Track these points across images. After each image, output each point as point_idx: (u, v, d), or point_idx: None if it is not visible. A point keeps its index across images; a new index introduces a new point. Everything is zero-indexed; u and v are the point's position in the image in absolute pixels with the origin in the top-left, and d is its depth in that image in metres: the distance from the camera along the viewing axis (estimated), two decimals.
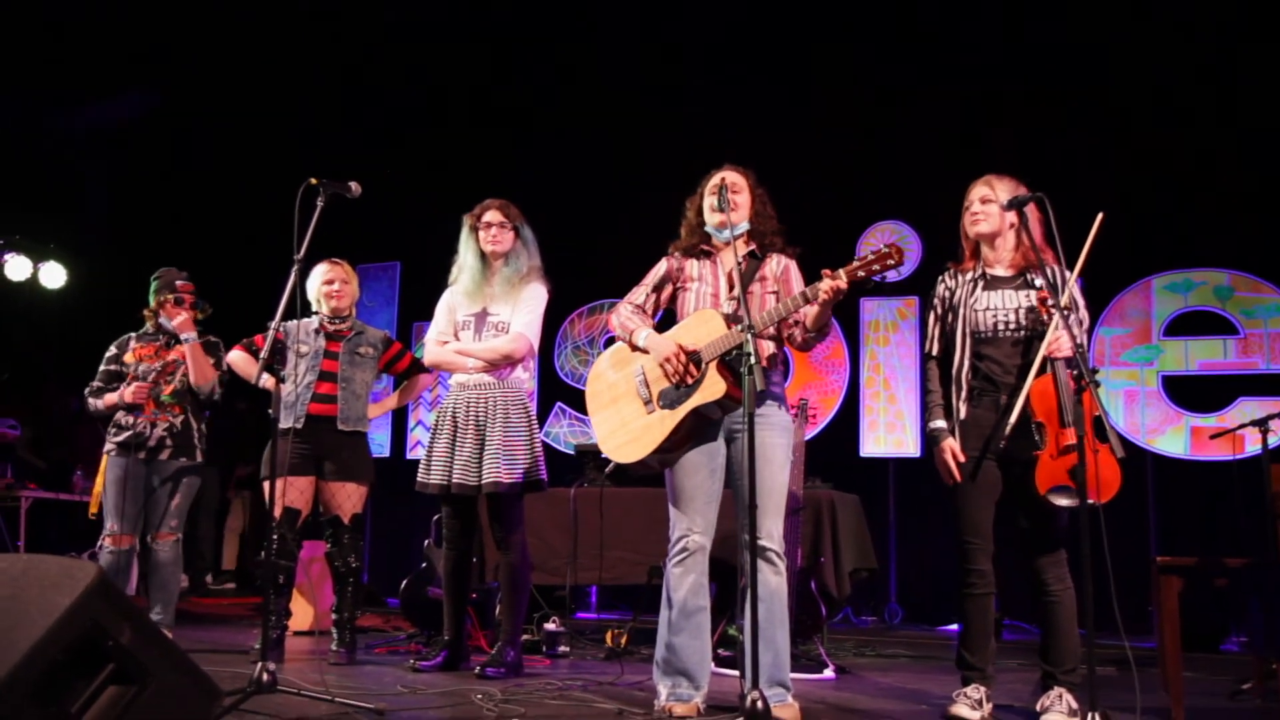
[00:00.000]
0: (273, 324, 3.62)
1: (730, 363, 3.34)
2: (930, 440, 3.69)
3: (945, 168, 7.22)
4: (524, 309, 4.48)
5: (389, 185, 8.39)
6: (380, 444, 8.78)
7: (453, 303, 4.62)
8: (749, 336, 3.14)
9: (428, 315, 4.74)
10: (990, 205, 3.61)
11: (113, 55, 8.09)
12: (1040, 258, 3.40)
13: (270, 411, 3.66)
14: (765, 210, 3.67)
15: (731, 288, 3.55)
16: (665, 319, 3.79)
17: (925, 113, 7.67)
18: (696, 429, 3.44)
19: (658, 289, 3.73)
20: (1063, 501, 3.34)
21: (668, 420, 3.41)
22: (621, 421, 3.53)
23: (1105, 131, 7.23)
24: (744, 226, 3.62)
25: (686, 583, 3.44)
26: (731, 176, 3.63)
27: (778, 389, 3.55)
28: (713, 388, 3.34)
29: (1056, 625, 3.47)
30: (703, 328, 3.45)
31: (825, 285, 3.25)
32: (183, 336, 4.90)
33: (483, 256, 4.55)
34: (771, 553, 3.36)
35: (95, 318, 5.27)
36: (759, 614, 3.10)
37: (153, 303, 5.06)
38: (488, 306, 4.53)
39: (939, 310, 3.75)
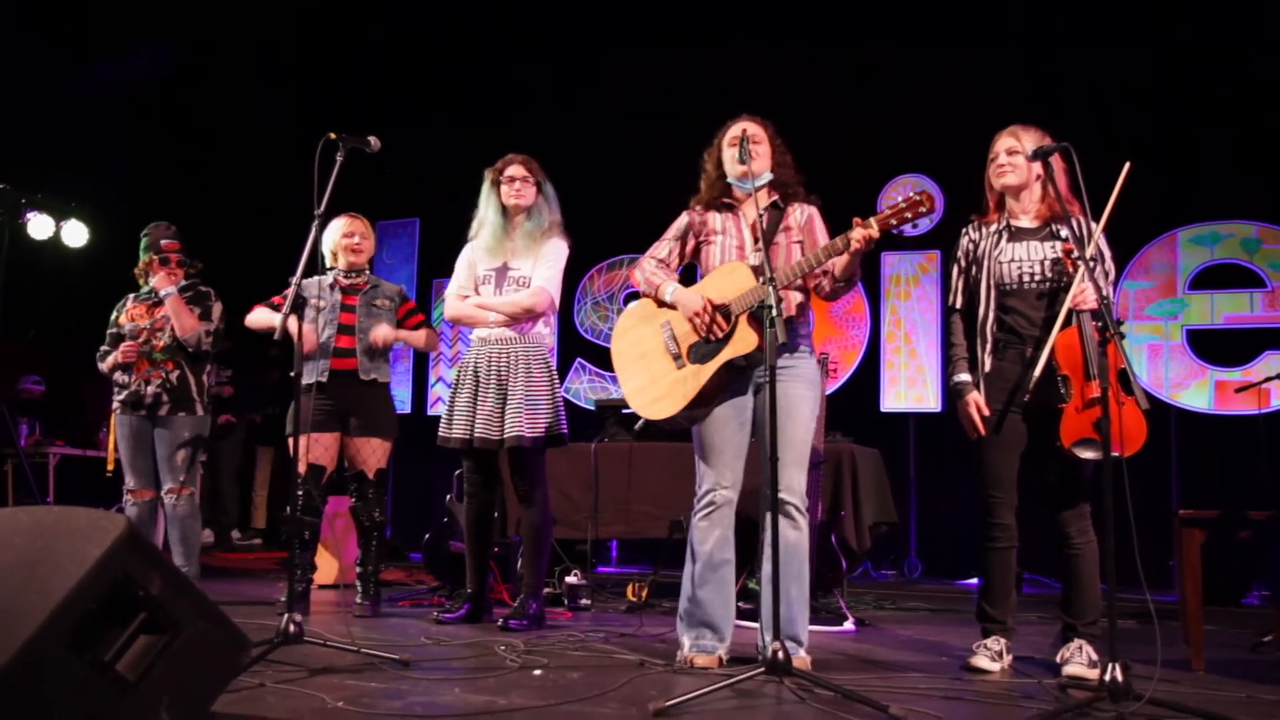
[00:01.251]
0: (294, 279, 3.63)
1: (760, 315, 3.32)
2: (953, 394, 3.68)
3: (966, 120, 7.14)
4: (545, 263, 4.48)
5: (408, 139, 8.38)
6: (401, 400, 8.82)
7: (473, 257, 4.62)
8: (772, 289, 3.12)
9: (447, 272, 4.74)
10: (1016, 156, 3.57)
11: (133, 12, 8.06)
12: (1066, 209, 3.37)
13: (293, 370, 3.68)
14: (785, 160, 3.65)
15: (756, 240, 3.52)
16: (687, 274, 3.79)
17: (946, 64, 7.57)
18: (727, 383, 3.44)
19: (680, 241, 3.70)
20: (1087, 454, 3.34)
21: (699, 374, 3.41)
22: (651, 378, 3.52)
23: (1130, 83, 7.12)
24: (766, 177, 3.60)
25: (713, 536, 3.46)
26: (752, 128, 3.60)
27: (805, 340, 3.54)
28: (744, 341, 3.35)
29: (1078, 578, 3.48)
30: (729, 280, 3.45)
31: (858, 234, 3.24)
32: (161, 293, 4.94)
33: (504, 211, 4.54)
34: (792, 506, 3.37)
35: (117, 276, 5.29)
36: (771, 567, 3.12)
37: (140, 262, 5.12)
38: (508, 261, 4.52)
39: (963, 263, 3.73)
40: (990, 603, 3.61)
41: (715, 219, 3.65)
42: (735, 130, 3.62)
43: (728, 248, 3.58)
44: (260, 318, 4.91)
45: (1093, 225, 3.46)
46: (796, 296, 3.52)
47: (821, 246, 3.38)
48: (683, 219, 3.72)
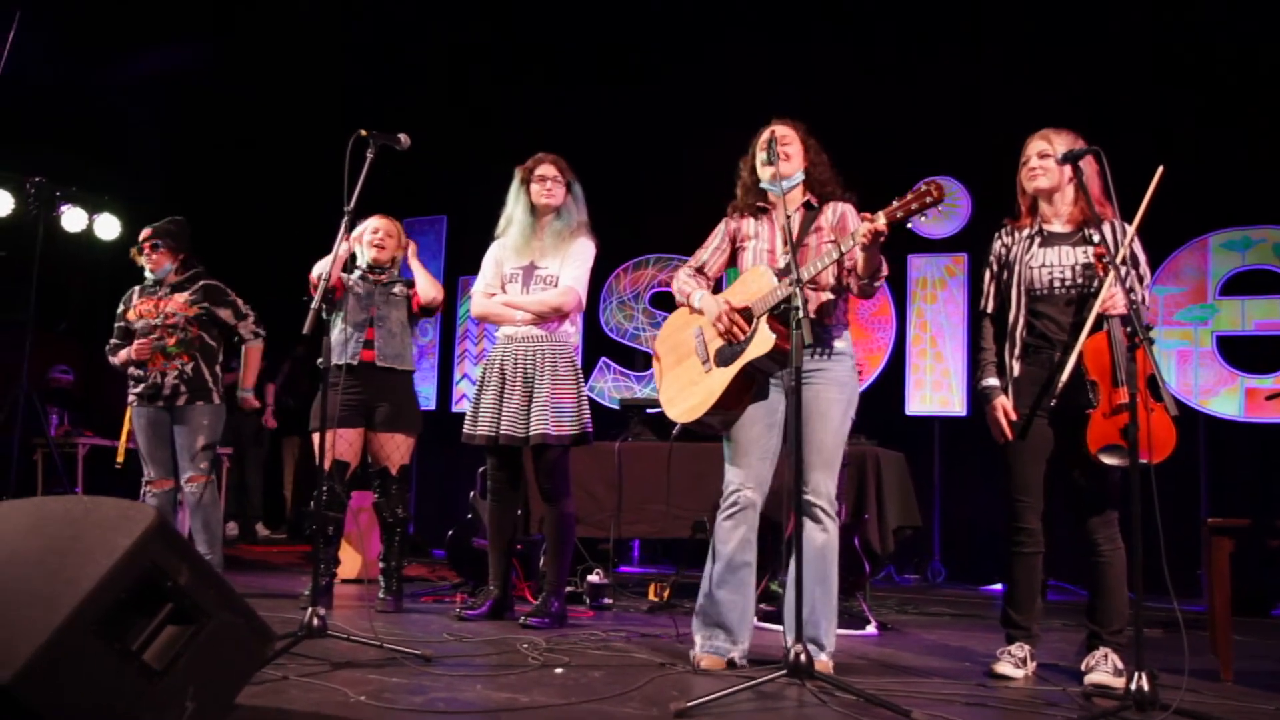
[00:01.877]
0: (325, 273, 3.64)
1: (782, 316, 3.33)
2: (981, 398, 3.67)
3: (995, 121, 7.10)
4: (572, 263, 4.49)
5: (436, 139, 8.40)
6: (426, 397, 8.85)
7: (500, 255, 4.63)
8: (796, 289, 3.11)
9: (475, 269, 4.75)
10: (1048, 160, 3.54)
11: (168, 4, 8.11)
12: (1097, 213, 3.34)
13: (319, 362, 3.70)
14: (820, 159, 3.64)
15: (786, 243, 3.50)
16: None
17: (975, 65, 7.53)
18: (752, 385, 3.44)
19: (719, 249, 3.73)
20: (1113, 461, 3.31)
21: (721, 377, 3.42)
22: (682, 383, 3.57)
23: (1162, 86, 7.06)
24: (798, 178, 3.59)
25: (735, 537, 3.45)
26: (780, 129, 3.59)
27: (839, 341, 3.52)
28: (762, 342, 3.34)
29: (1105, 585, 3.45)
30: (753, 283, 3.46)
31: (863, 229, 3.23)
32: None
33: (532, 210, 4.56)
34: (819, 509, 3.36)
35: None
36: (800, 569, 3.11)
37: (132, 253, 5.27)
38: (535, 260, 4.53)
39: (995, 267, 3.71)
40: (1015, 608, 3.59)
41: (749, 224, 3.66)
42: (765, 133, 3.61)
43: (759, 252, 3.59)
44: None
45: (1126, 228, 3.43)
46: (824, 296, 3.51)
47: (830, 242, 3.39)
48: (720, 227, 3.76)
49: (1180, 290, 7.08)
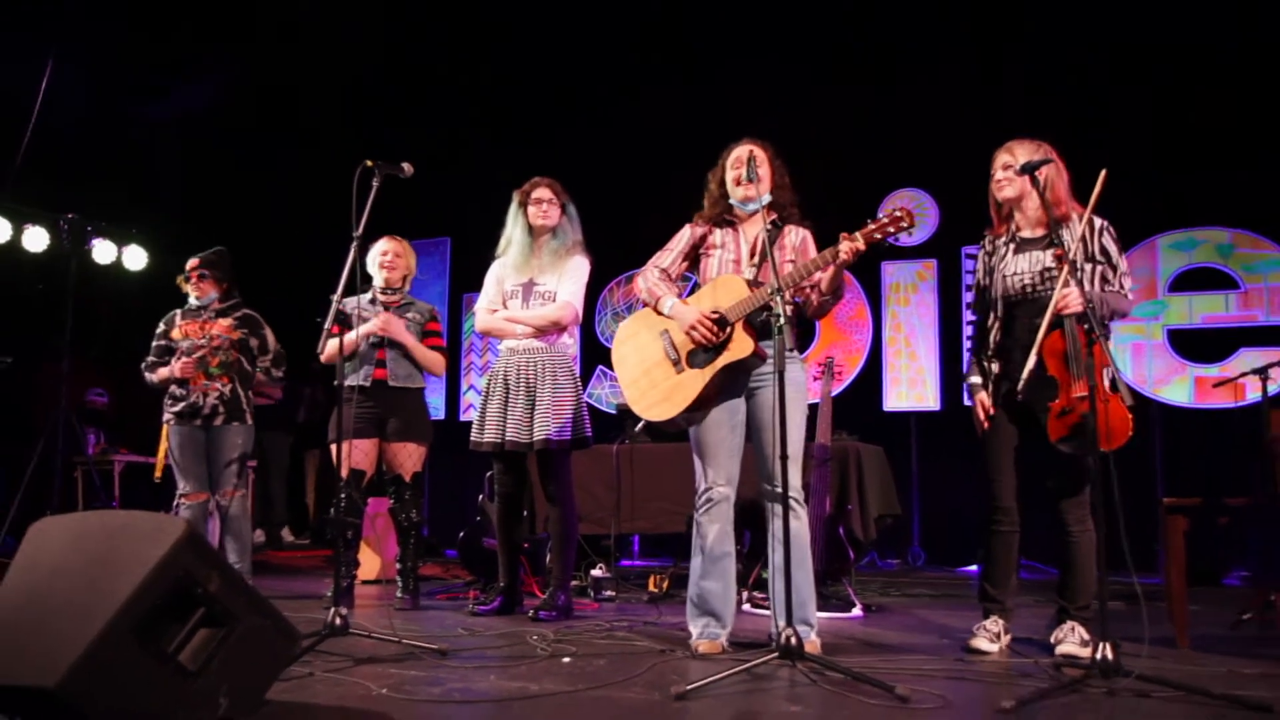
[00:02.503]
0: (335, 297, 3.66)
1: (755, 323, 3.37)
2: (969, 393, 3.73)
3: (959, 134, 7.13)
4: (569, 279, 4.51)
5: (440, 164, 8.40)
6: (435, 407, 8.85)
7: (501, 273, 4.64)
8: (779, 298, 3.14)
9: (477, 287, 4.76)
10: (1011, 170, 3.56)
11: (189, 40, 8.10)
12: (1057, 215, 3.37)
13: (335, 381, 3.70)
14: (784, 182, 3.65)
15: (753, 254, 3.55)
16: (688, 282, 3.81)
17: (937, 79, 7.55)
18: (725, 386, 3.46)
19: (683, 253, 3.71)
20: (1070, 449, 3.33)
21: (697, 379, 3.42)
22: (651, 382, 3.53)
23: (1113, 94, 7.08)
24: (765, 199, 3.59)
25: (713, 531, 3.49)
26: (757, 150, 3.61)
27: (793, 349, 3.55)
28: (741, 346, 3.37)
29: (1074, 563, 3.48)
30: (725, 291, 3.47)
31: (844, 247, 3.25)
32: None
33: (530, 230, 4.57)
34: (792, 499, 3.38)
35: (172, 296, 5.34)
36: (778, 557, 3.17)
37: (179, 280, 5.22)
38: (534, 277, 4.55)
39: (978, 275, 3.74)
40: (991, 583, 3.62)
41: (716, 234, 3.66)
42: (740, 151, 3.62)
43: (724, 261, 3.60)
44: (332, 349, 4.91)
45: (1097, 223, 3.46)
46: (786, 310, 3.51)
47: (811, 258, 3.39)
48: (685, 231, 3.73)
49: (1133, 288, 7.09)
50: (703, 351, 3.44)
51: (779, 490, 3.24)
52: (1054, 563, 3.62)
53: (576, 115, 8.65)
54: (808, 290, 3.52)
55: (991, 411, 3.59)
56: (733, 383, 3.48)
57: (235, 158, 9.01)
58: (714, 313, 3.42)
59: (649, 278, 3.67)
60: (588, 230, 4.70)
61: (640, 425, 5.68)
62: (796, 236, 3.62)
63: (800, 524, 3.42)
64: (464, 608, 4.71)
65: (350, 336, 4.62)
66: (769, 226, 3.50)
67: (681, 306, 3.52)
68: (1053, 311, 3.35)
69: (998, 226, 3.71)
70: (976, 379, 3.67)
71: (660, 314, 3.58)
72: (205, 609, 2.12)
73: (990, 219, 3.75)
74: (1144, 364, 7.04)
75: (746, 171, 3.53)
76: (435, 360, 5.01)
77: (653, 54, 8.32)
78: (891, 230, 3.21)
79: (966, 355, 3.89)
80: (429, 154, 8.22)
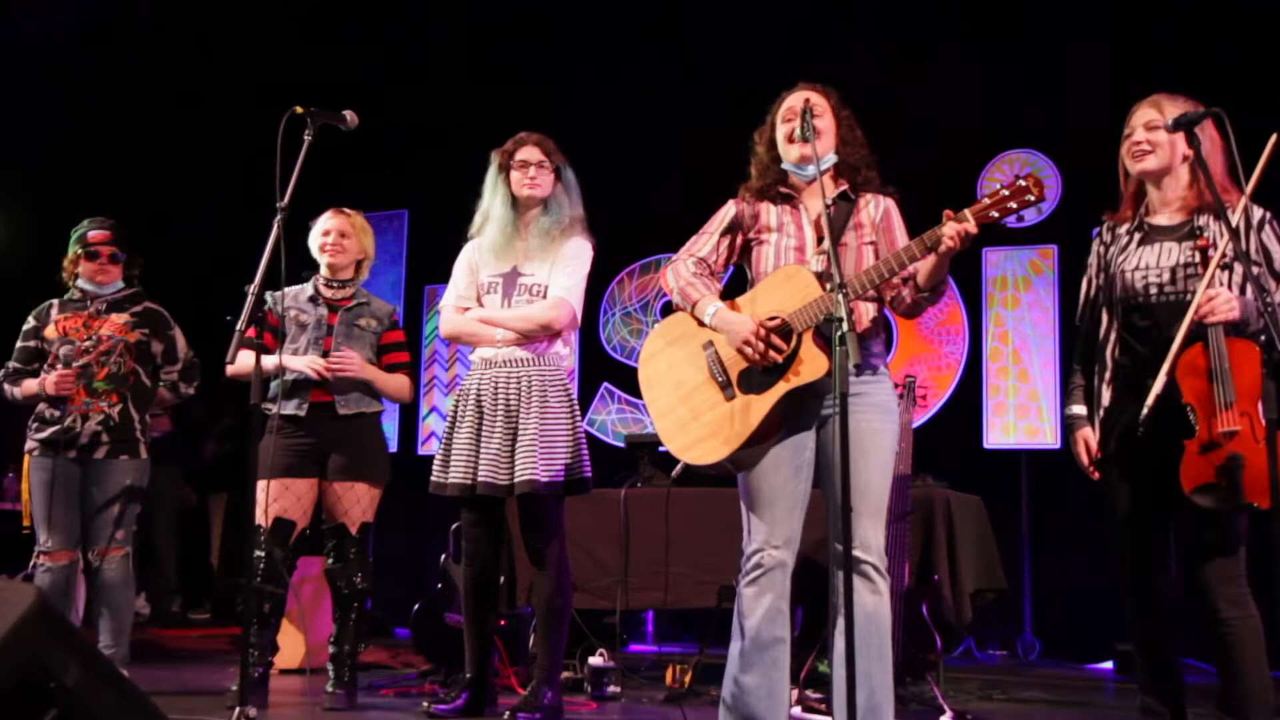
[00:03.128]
0: (251, 288, 3.64)
1: (828, 332, 3.28)
2: (1066, 429, 3.73)
3: (1088, 83, 7.09)
4: (565, 268, 4.50)
5: (395, 118, 8.42)
6: (386, 437, 8.83)
7: (475, 260, 4.64)
8: (840, 298, 3.07)
9: (443, 277, 4.76)
10: (1158, 133, 3.50)
11: None
12: (1218, 197, 3.30)
13: (251, 400, 3.68)
14: (854, 136, 3.62)
15: (820, 239, 3.49)
16: (735, 276, 3.77)
17: (1061, 15, 7.52)
18: (789, 416, 3.42)
19: (727, 236, 3.66)
20: (1209, 503, 3.29)
21: (754, 408, 3.37)
22: (693, 412, 3.49)
23: None
24: (830, 159, 3.56)
25: (761, 607, 3.42)
26: (813, 97, 3.56)
27: (879, 360, 3.52)
28: (813, 365, 3.32)
29: (1236, 663, 3.42)
30: (787, 288, 3.41)
31: (950, 230, 3.19)
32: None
33: (514, 203, 4.58)
34: (868, 566, 3.34)
35: (35, 283, 5.33)
36: (852, 643, 3.06)
37: (66, 259, 5.16)
38: (519, 265, 4.55)
39: (1091, 273, 3.74)
40: (1143, 688, 3.64)
41: (769, 212, 3.61)
42: (793, 101, 3.58)
43: (784, 248, 3.54)
44: (244, 362, 4.90)
45: (1258, 212, 3.41)
46: (869, 309, 3.50)
47: (903, 246, 3.34)
48: (729, 208, 3.68)
49: None
50: (761, 371, 3.39)
51: (853, 553, 3.20)
52: (1212, 660, 3.57)
53: (576, 56, 8.65)
54: (898, 283, 3.47)
55: (1098, 455, 3.60)
56: (800, 412, 3.44)
57: (117, 107, 9.04)
58: (773, 319, 3.38)
59: (682, 272, 3.63)
60: (591, 205, 4.70)
61: (679, 468, 5.66)
62: (877, 210, 3.58)
63: (879, 599, 3.38)
64: (417, 707, 4.68)
65: (269, 362, 4.57)
66: (832, 201, 3.45)
67: (730, 314, 3.47)
68: (1192, 318, 3.31)
69: (1125, 208, 3.69)
70: (1076, 409, 3.69)
71: (701, 323, 3.55)
72: (59, 710, 2.09)
73: (1117, 197, 3.72)
74: None
75: (801, 127, 3.48)
76: (400, 386, 5.05)
77: None
78: (1014, 206, 3.17)
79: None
80: (380, 100, 8.28)
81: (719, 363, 3.47)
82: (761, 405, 3.37)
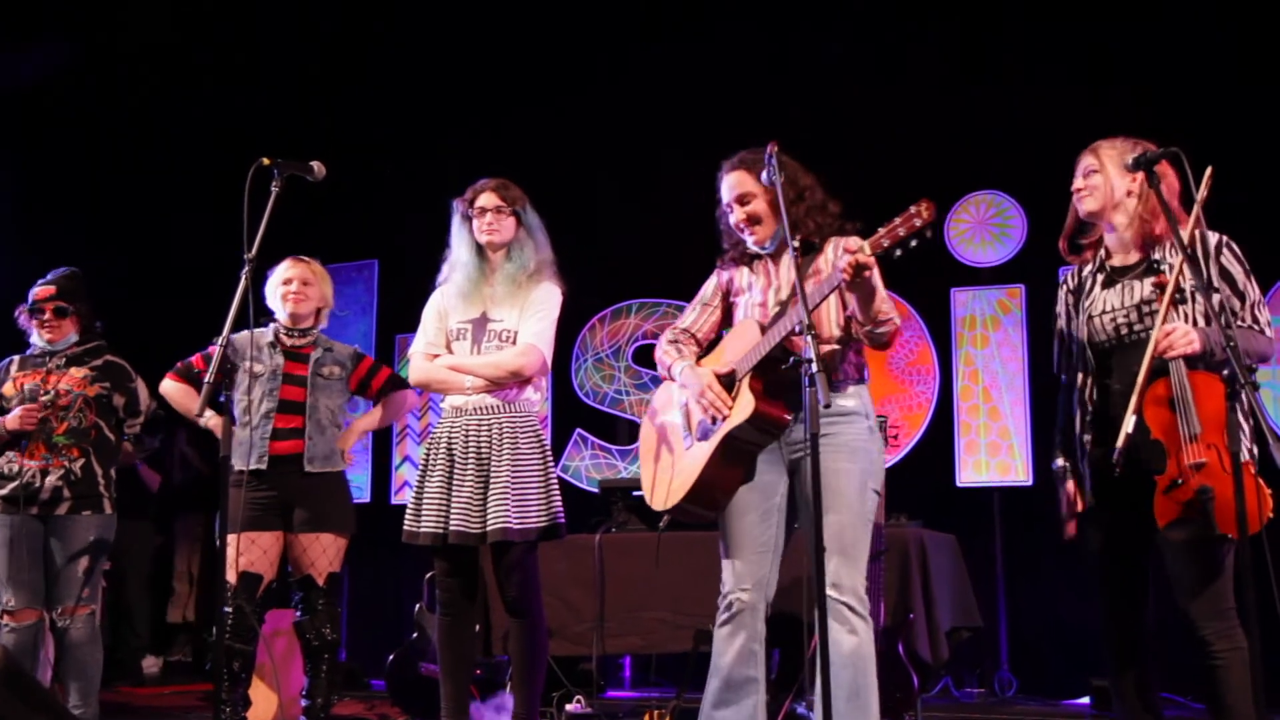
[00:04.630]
0: (219, 339, 3.63)
1: (766, 374, 3.41)
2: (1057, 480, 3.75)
3: (1053, 126, 7.16)
4: (534, 313, 4.50)
5: (363, 166, 8.44)
6: (358, 487, 8.80)
7: (444, 306, 4.63)
8: (811, 339, 3.10)
9: (412, 326, 4.75)
10: (1094, 177, 3.59)
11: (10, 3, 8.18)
12: (1161, 231, 3.38)
13: (220, 452, 3.66)
14: (796, 194, 3.62)
15: (778, 290, 3.63)
16: None
17: (1029, 60, 7.61)
18: (738, 461, 3.50)
19: (710, 305, 3.84)
20: (1182, 536, 3.31)
21: (700, 454, 3.49)
22: (665, 465, 3.65)
23: (1253, 79, 7.12)
24: (779, 234, 3.63)
25: (733, 648, 3.49)
26: (741, 186, 3.65)
27: (847, 399, 3.53)
28: (741, 408, 3.42)
29: (1224, 695, 3.41)
30: (739, 341, 3.57)
31: (844, 261, 3.21)
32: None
33: (479, 250, 4.57)
34: (843, 606, 3.35)
35: (6, 336, 5.30)
36: (831, 686, 3.06)
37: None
38: (488, 310, 4.54)
39: (1061, 323, 3.78)
40: None
41: (743, 275, 3.76)
42: (731, 181, 3.68)
43: (750, 306, 3.68)
44: (178, 396, 4.92)
45: (1215, 238, 3.46)
46: (826, 348, 3.52)
47: (820, 283, 3.38)
48: (712, 280, 3.86)
49: (1275, 322, 7.07)
50: (713, 420, 3.49)
51: (827, 594, 3.18)
52: (1198, 694, 3.59)
53: (546, 99, 8.69)
54: (857, 323, 3.50)
55: (1080, 507, 3.63)
56: (749, 457, 3.51)
57: (86, 155, 9.02)
58: (728, 370, 3.50)
59: (661, 344, 3.83)
60: (562, 251, 4.70)
61: (664, 521, 5.66)
62: (836, 251, 3.60)
63: (858, 640, 3.38)
64: None
65: (239, 433, 4.63)
66: (795, 251, 3.46)
67: (692, 371, 3.62)
68: (1152, 354, 3.34)
69: (1085, 251, 3.75)
70: (1059, 462, 3.72)
71: (679, 384, 3.70)
72: None
73: (1074, 242, 3.79)
74: None
75: (736, 216, 3.65)
76: (399, 407, 5.17)
77: (653, 16, 8.38)
78: (902, 233, 3.18)
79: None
80: (348, 151, 8.31)
81: (685, 416, 3.62)
82: (703, 452, 3.48)
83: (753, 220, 3.64)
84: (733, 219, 3.69)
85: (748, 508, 3.52)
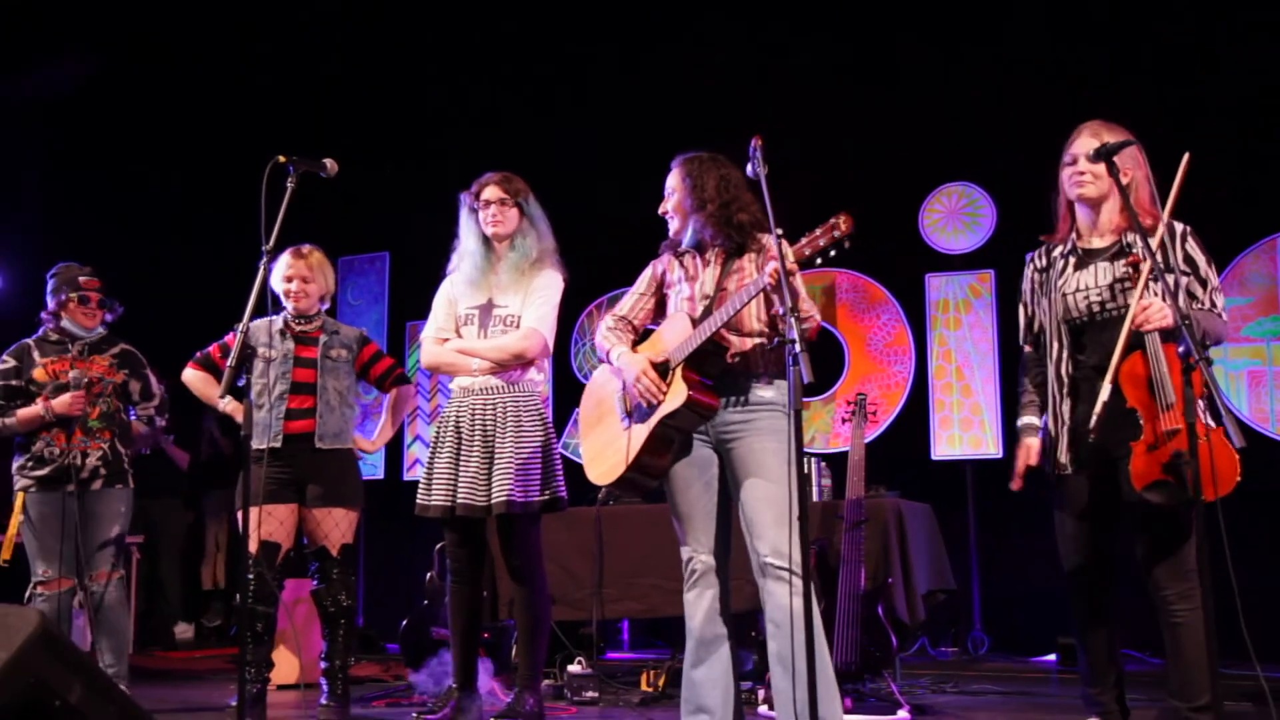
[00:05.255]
0: (239, 328, 3.61)
1: (698, 366, 3.46)
2: (1017, 436, 3.74)
3: (1021, 118, 7.14)
4: (536, 300, 4.49)
5: (375, 164, 8.41)
6: (373, 464, 8.79)
7: (453, 294, 4.63)
8: (794, 320, 3.08)
9: (422, 313, 4.74)
10: (1100, 165, 3.48)
11: (43, 17, 8.13)
12: (1134, 218, 3.34)
13: (242, 432, 3.65)
14: (711, 196, 3.61)
15: (704, 287, 3.63)
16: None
17: (997, 53, 7.58)
18: (671, 442, 3.53)
19: (647, 295, 3.84)
20: (1160, 499, 3.30)
21: (636, 436, 3.53)
22: (605, 441, 3.68)
23: (1218, 71, 7.08)
24: (689, 233, 3.68)
25: (701, 608, 3.54)
26: (669, 184, 3.72)
27: (766, 390, 3.53)
28: (674, 397, 3.45)
29: (1183, 652, 3.42)
30: (671, 331, 3.58)
31: (769, 268, 3.22)
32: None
33: (485, 240, 4.56)
34: (785, 571, 3.35)
35: (29, 325, 5.26)
36: (778, 642, 3.27)
37: (50, 304, 5.13)
38: (494, 297, 4.53)
39: (1027, 298, 3.77)
40: (1086, 680, 3.66)
41: (675, 268, 3.76)
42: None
43: (680, 300, 3.69)
44: (199, 384, 4.90)
45: (1180, 229, 3.45)
46: (749, 342, 3.53)
47: (745, 286, 3.40)
48: (647, 270, 3.86)
49: (1247, 301, 7.07)
50: (648, 405, 3.52)
51: (764, 561, 3.34)
52: (1160, 652, 3.58)
53: (547, 99, 8.66)
54: (780, 318, 3.47)
55: (1033, 463, 3.64)
56: (683, 437, 3.55)
57: (109, 160, 8.99)
58: (661, 358, 3.52)
59: (601, 329, 3.83)
60: (561, 240, 4.68)
61: (601, 493, 5.66)
62: (760, 253, 3.61)
63: (800, 598, 3.32)
64: (407, 717, 4.66)
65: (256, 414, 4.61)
66: (717, 253, 3.61)
67: (629, 357, 3.63)
68: (1129, 328, 3.34)
69: (1059, 232, 3.72)
70: (1026, 419, 3.72)
71: (615, 368, 3.72)
72: None
73: (1051, 221, 3.75)
74: (1264, 397, 7.00)
75: (662, 209, 3.71)
76: (404, 401, 5.13)
77: (645, 23, 8.34)
78: (823, 243, 3.24)
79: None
80: (360, 148, 8.27)
81: (621, 398, 3.65)
82: (640, 434, 3.52)
83: (668, 215, 3.73)
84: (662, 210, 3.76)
85: (691, 480, 3.57)
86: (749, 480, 3.43)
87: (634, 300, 3.83)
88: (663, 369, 3.50)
